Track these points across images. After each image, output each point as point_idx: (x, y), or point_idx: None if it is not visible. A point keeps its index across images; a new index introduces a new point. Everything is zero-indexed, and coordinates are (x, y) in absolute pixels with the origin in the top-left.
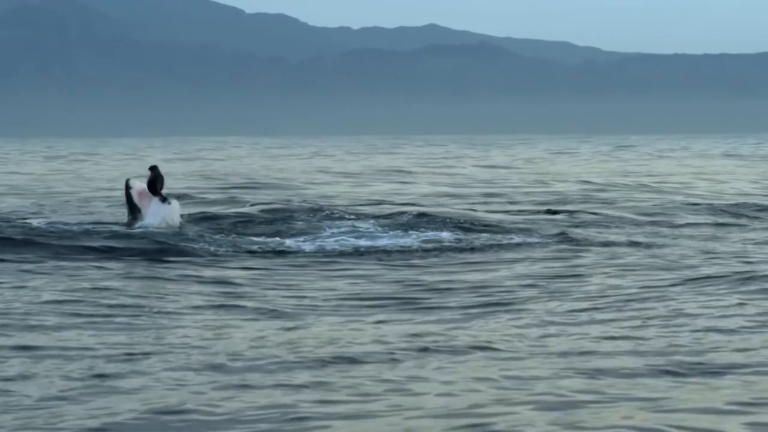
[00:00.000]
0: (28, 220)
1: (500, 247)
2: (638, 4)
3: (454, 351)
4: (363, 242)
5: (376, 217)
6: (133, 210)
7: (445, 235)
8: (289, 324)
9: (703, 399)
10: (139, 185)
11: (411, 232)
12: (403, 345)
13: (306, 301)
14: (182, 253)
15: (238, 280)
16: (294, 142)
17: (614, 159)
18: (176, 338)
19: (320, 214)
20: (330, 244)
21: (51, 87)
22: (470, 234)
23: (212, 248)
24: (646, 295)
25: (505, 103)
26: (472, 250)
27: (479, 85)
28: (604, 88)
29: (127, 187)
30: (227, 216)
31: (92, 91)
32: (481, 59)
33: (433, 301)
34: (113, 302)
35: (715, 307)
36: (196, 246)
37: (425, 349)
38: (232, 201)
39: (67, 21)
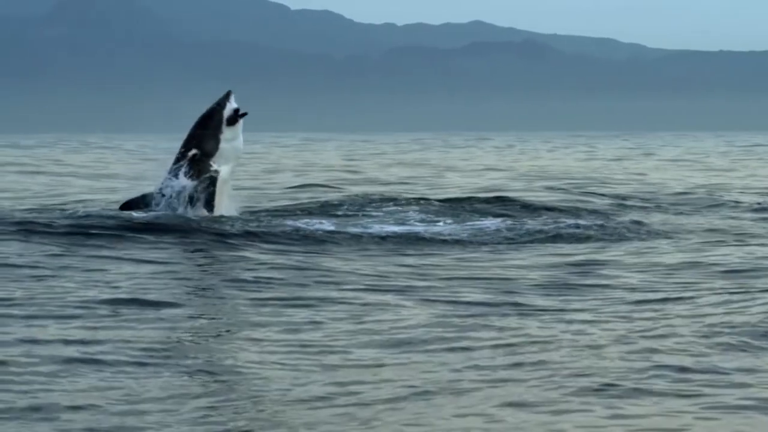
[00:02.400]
0: (79, 211)
1: (546, 235)
2: (683, 1)
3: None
4: (398, 228)
5: (423, 205)
6: (210, 150)
7: (491, 222)
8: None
9: None
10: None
11: (457, 219)
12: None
13: (336, 290)
14: (217, 238)
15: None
16: (339, 138)
17: (666, 156)
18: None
19: (368, 204)
20: (370, 230)
21: (93, 84)
22: (517, 222)
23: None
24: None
25: (550, 100)
26: (519, 238)
27: (524, 82)
28: (648, 85)
29: (227, 97)
30: (284, 209)
31: (135, 89)
32: (526, 56)
33: (463, 293)
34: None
35: None
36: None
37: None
38: (286, 196)
39: (111, 18)
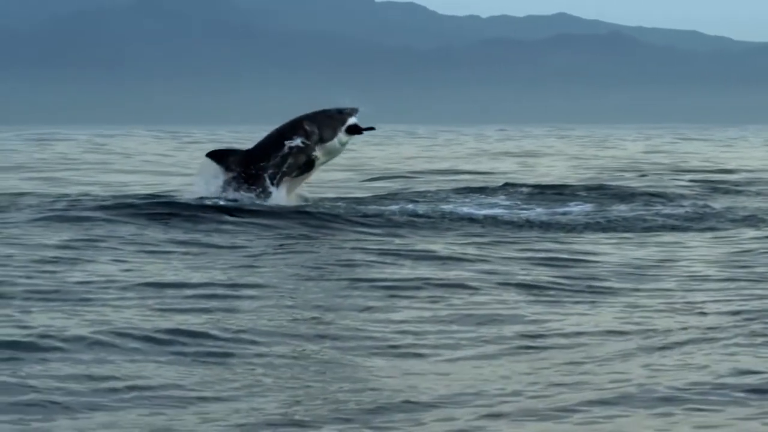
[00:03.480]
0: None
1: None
2: None
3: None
4: (482, 212)
5: (510, 193)
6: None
7: (579, 208)
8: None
9: None
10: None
11: (545, 205)
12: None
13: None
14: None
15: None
16: (423, 129)
17: (753, 146)
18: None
19: (454, 192)
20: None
21: (176, 75)
22: (604, 207)
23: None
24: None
25: (635, 92)
26: (604, 223)
27: (609, 74)
28: (733, 78)
29: (355, 111)
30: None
31: (218, 80)
32: (611, 49)
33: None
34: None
35: None
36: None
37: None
38: (371, 186)
39: (193, 8)
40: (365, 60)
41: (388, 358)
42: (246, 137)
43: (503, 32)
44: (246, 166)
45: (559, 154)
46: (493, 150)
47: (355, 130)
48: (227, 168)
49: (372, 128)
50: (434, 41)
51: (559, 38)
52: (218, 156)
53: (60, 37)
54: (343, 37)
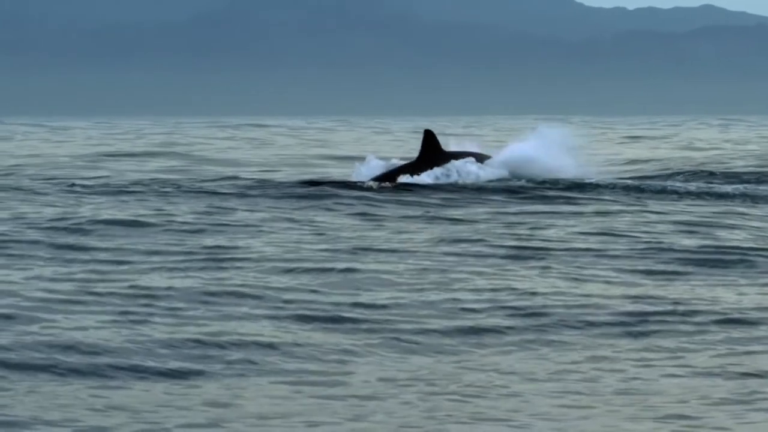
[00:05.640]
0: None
1: None
2: None
3: None
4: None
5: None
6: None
7: (732, 187)
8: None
9: None
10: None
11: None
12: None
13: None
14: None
15: None
16: (569, 120)
17: None
18: None
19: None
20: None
21: (329, 66)
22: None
23: None
24: None
25: None
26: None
27: (755, 66)
28: None
29: None
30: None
31: (371, 71)
32: (757, 41)
33: None
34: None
35: None
36: None
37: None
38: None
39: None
40: (512, 50)
41: (533, 343)
42: (407, 129)
43: (649, 24)
44: (437, 157)
45: (711, 139)
46: (645, 138)
47: None
48: (428, 149)
49: None
50: (581, 32)
51: (704, 30)
52: (430, 137)
53: (211, 29)
54: (490, 27)
